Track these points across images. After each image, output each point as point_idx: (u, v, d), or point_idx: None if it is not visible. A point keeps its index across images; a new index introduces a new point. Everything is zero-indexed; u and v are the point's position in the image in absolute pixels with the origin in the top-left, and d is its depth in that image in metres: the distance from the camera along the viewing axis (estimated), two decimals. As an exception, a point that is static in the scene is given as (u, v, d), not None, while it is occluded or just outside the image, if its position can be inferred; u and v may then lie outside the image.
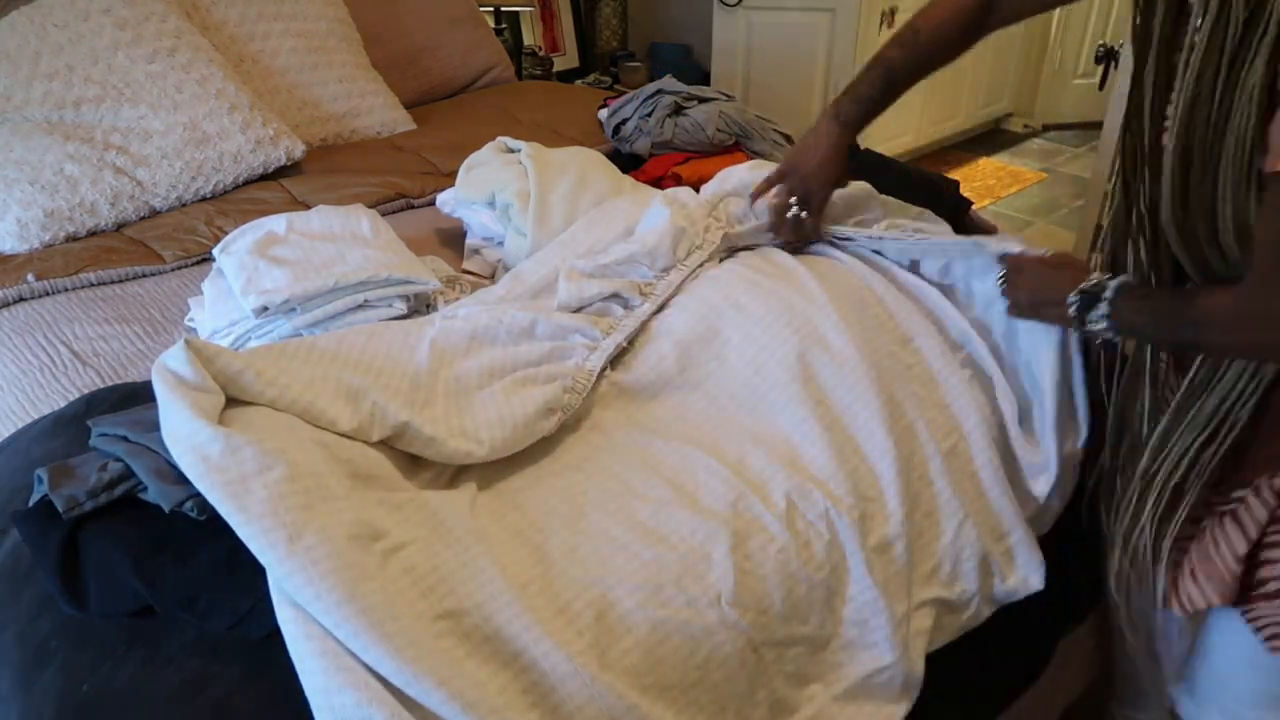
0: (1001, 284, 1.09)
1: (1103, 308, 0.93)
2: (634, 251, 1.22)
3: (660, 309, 1.18)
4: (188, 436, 0.77)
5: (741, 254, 1.28)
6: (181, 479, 0.79)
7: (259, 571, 0.74)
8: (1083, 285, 0.95)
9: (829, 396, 1.02)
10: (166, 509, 0.80)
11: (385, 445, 0.92)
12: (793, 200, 1.24)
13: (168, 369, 0.83)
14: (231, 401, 0.86)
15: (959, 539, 0.98)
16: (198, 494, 0.78)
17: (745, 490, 0.92)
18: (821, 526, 0.92)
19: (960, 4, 1.13)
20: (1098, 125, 2.49)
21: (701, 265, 1.23)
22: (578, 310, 1.17)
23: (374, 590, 0.72)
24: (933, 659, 0.98)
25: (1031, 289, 1.05)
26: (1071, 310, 0.96)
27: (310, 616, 0.70)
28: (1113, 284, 0.93)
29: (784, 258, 1.23)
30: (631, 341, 1.15)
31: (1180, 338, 0.89)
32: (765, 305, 1.10)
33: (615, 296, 1.18)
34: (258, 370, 0.87)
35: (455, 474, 0.96)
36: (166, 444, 0.79)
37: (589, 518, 0.89)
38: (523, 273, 1.25)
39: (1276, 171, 0.74)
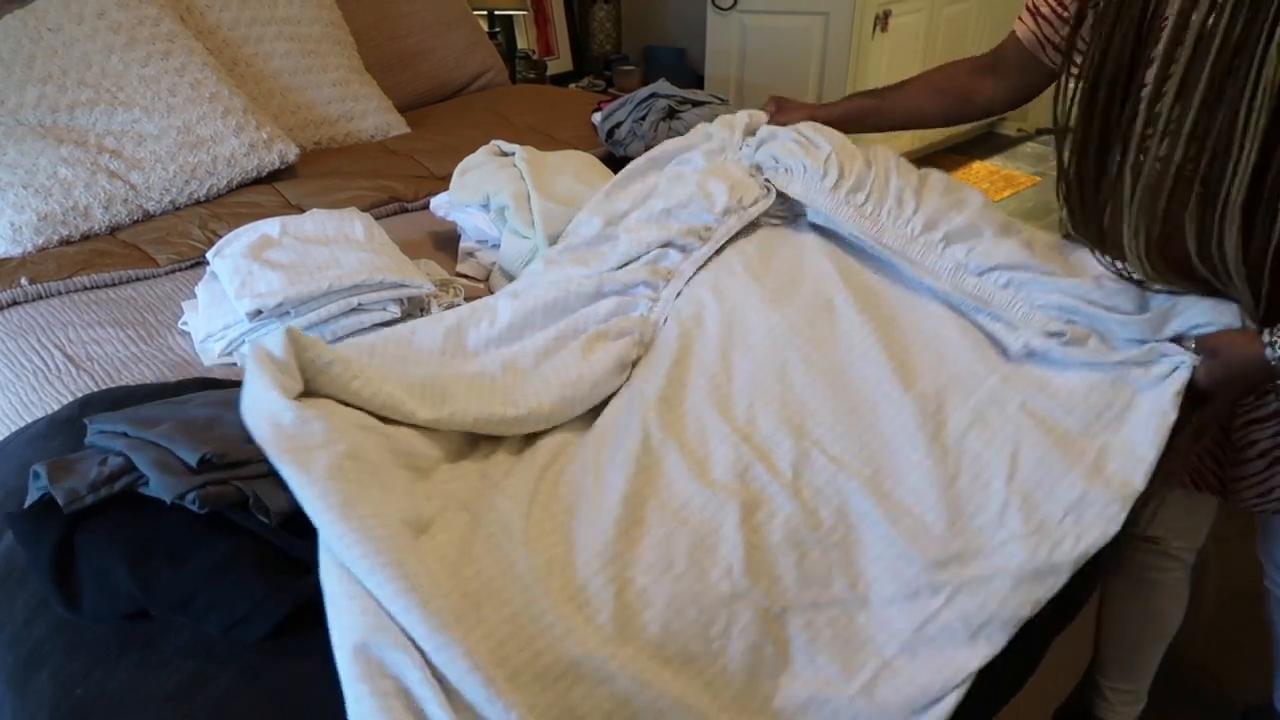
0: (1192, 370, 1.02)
1: None
2: (692, 193, 1.25)
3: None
4: (265, 404, 0.80)
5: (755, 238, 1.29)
6: (184, 471, 0.80)
7: (256, 574, 0.74)
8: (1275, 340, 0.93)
9: (841, 359, 1.05)
10: (168, 500, 0.80)
11: (444, 434, 0.95)
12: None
13: (264, 348, 0.86)
14: (307, 394, 0.90)
15: (1006, 486, 0.95)
16: (200, 485, 0.78)
17: (753, 459, 0.94)
18: (829, 492, 0.93)
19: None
20: (1089, 128, 2.50)
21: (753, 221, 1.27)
22: (637, 259, 1.20)
23: (421, 572, 0.73)
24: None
25: (1227, 376, 1.00)
26: None
27: (355, 577, 0.71)
28: None
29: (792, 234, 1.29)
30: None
31: None
32: (776, 284, 1.15)
33: (671, 245, 1.21)
34: (346, 362, 0.91)
35: (509, 469, 0.97)
36: (242, 413, 0.81)
37: (608, 496, 0.91)
38: (572, 231, 1.30)
39: None
